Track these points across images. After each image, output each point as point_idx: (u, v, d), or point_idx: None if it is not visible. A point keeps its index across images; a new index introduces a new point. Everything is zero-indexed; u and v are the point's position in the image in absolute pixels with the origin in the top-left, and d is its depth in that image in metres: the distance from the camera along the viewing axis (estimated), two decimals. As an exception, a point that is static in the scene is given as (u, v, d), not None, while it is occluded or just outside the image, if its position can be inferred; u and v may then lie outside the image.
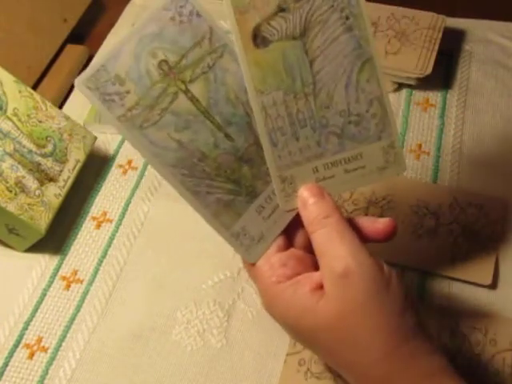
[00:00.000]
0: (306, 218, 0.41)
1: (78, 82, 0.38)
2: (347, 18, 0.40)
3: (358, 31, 0.41)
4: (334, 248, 0.39)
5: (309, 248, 0.41)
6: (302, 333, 0.40)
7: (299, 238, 0.43)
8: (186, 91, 0.40)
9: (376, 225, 0.42)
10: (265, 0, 0.40)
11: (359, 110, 0.41)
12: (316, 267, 0.40)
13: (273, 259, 0.41)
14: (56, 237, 0.57)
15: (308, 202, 0.41)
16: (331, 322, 0.38)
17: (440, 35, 0.66)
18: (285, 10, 0.40)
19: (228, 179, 0.41)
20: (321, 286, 0.39)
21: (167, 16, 0.39)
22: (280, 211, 0.42)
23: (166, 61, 0.39)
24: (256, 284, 0.42)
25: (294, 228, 0.43)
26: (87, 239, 0.58)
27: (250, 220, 0.42)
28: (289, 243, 0.43)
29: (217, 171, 0.41)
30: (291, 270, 0.40)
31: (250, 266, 0.42)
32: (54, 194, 0.56)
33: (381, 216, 0.54)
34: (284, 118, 0.41)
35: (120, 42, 0.39)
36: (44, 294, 0.54)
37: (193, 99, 0.40)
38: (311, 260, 0.41)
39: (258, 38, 0.40)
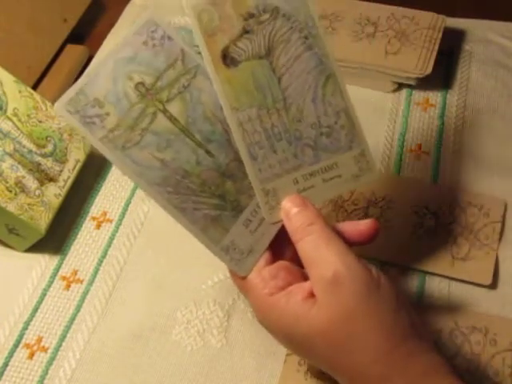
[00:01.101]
0: (291, 227, 0.42)
1: (57, 106, 0.39)
2: (306, 38, 0.43)
3: (318, 49, 0.43)
4: (322, 254, 0.39)
5: (296, 261, 0.42)
6: (296, 341, 0.40)
7: (286, 252, 0.43)
8: (165, 111, 0.41)
9: (358, 227, 0.43)
10: (230, 23, 0.42)
11: (329, 122, 0.43)
12: (305, 278, 0.41)
13: (263, 272, 0.41)
14: (56, 237, 0.57)
15: (291, 212, 0.42)
16: (324, 327, 0.38)
17: (440, 35, 0.66)
18: (249, 32, 0.42)
19: (213, 195, 0.42)
20: (312, 295, 0.39)
21: (140, 40, 0.41)
22: (266, 224, 0.43)
23: (142, 83, 0.41)
24: (247, 297, 0.43)
25: (280, 242, 0.43)
26: (87, 239, 0.58)
27: (238, 234, 0.42)
28: (276, 257, 0.43)
29: (201, 187, 0.42)
30: (283, 281, 0.40)
31: (241, 279, 0.42)
32: (54, 194, 0.56)
33: (380, 216, 0.54)
34: (260, 133, 0.42)
35: (97, 65, 0.40)
36: (44, 294, 0.54)
37: (171, 118, 0.41)
38: (300, 272, 0.42)
39: (228, 59, 0.42)
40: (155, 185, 0.41)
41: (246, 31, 0.42)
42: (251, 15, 0.42)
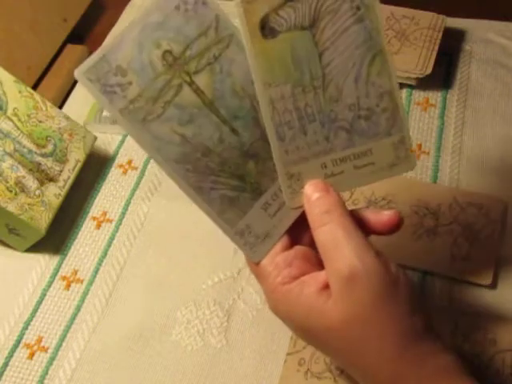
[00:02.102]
0: (310, 213, 0.40)
1: (77, 72, 0.36)
2: (358, 9, 0.39)
3: (369, 22, 0.39)
4: (339, 247, 0.38)
5: (315, 245, 0.40)
6: (309, 334, 0.40)
7: (306, 237, 0.42)
8: (191, 83, 0.38)
9: (380, 217, 0.41)
10: None
11: (369, 105, 0.40)
12: (322, 265, 0.39)
13: (278, 259, 0.40)
14: (56, 237, 0.57)
15: (312, 197, 0.40)
16: (339, 324, 0.37)
17: (440, 35, 0.66)
18: (293, 0, 0.38)
19: (232, 175, 0.40)
20: (327, 286, 0.38)
21: (172, 4, 0.38)
22: (286, 209, 0.41)
23: (170, 51, 0.38)
24: (260, 284, 0.42)
25: (299, 226, 0.41)
26: (87, 239, 0.58)
27: (255, 217, 0.40)
28: (294, 242, 0.42)
29: (221, 167, 0.40)
30: (297, 270, 0.39)
31: (254, 265, 0.41)
32: (54, 194, 0.56)
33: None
34: (292, 112, 0.40)
35: (122, 31, 0.37)
36: (44, 294, 0.54)
37: (198, 91, 0.39)
38: (317, 258, 0.40)
39: (266, 29, 0.38)
40: (173, 161, 0.38)
41: None
42: None
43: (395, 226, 0.41)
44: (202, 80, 0.39)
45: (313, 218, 0.39)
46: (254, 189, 0.40)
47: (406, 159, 0.41)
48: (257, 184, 0.41)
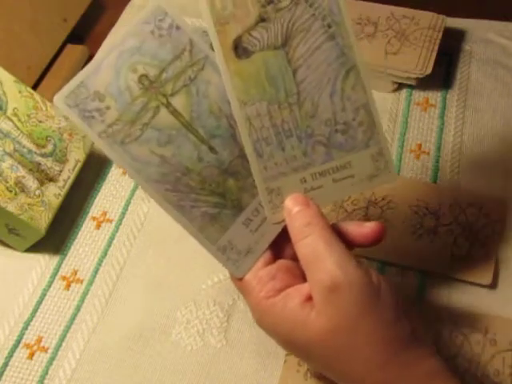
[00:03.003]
0: (291, 227, 0.40)
1: (56, 99, 0.38)
2: (329, 26, 0.40)
3: (341, 39, 0.40)
4: (320, 259, 0.38)
5: (297, 259, 0.40)
6: (294, 346, 0.40)
7: (288, 250, 0.42)
8: (168, 105, 0.40)
9: (362, 229, 0.41)
10: (245, 11, 0.39)
11: (345, 119, 0.41)
12: (305, 278, 0.39)
13: (261, 273, 0.40)
14: (56, 237, 0.57)
15: (292, 211, 0.40)
16: (323, 335, 0.37)
17: (440, 35, 0.66)
18: (266, 20, 0.39)
19: (213, 192, 0.41)
20: (310, 298, 0.38)
21: (147, 30, 0.39)
22: (268, 224, 0.42)
23: (146, 75, 0.39)
24: (245, 298, 0.42)
25: (282, 240, 0.42)
26: (87, 239, 0.58)
27: (236, 233, 0.41)
28: (277, 256, 0.42)
29: (201, 185, 0.40)
30: (280, 283, 0.40)
31: (238, 280, 0.41)
32: (54, 193, 0.56)
33: (380, 216, 0.54)
34: (269, 129, 0.40)
35: (99, 57, 0.38)
36: (44, 294, 0.54)
37: (175, 113, 0.40)
38: (300, 270, 0.40)
39: (240, 49, 0.39)
40: (153, 181, 0.39)
41: (262, 19, 0.39)
42: (269, 1, 0.39)
43: (378, 238, 0.41)
44: (178, 102, 0.40)
45: (294, 232, 0.40)
46: (235, 205, 0.41)
47: (385, 170, 0.42)
48: (237, 201, 0.41)
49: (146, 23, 0.39)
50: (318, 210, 0.40)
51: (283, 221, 0.41)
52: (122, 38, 0.39)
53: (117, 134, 0.39)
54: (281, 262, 0.41)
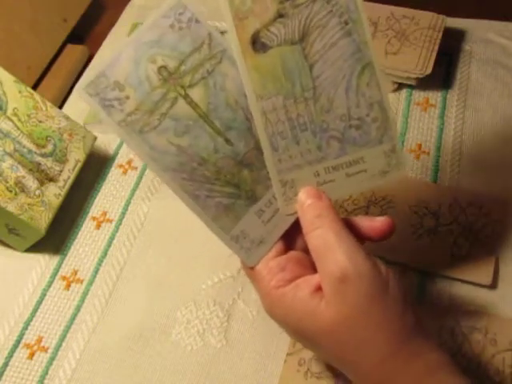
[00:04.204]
0: (302, 219, 0.41)
1: (78, 87, 0.39)
2: (346, 23, 0.40)
3: (358, 36, 0.41)
4: (330, 251, 0.39)
5: (308, 250, 0.41)
6: (303, 336, 0.40)
7: (300, 241, 0.43)
8: (186, 96, 0.40)
9: (373, 223, 0.42)
10: (264, 6, 0.40)
11: (360, 114, 0.41)
12: (316, 269, 0.40)
13: (271, 263, 0.41)
14: (56, 237, 0.57)
15: (305, 203, 0.41)
16: (332, 326, 0.38)
17: (440, 35, 0.66)
18: (284, 16, 0.40)
19: (228, 183, 0.41)
20: (320, 289, 0.39)
21: (166, 23, 0.40)
22: (280, 215, 0.42)
23: (165, 67, 0.40)
24: (255, 287, 0.43)
25: (294, 232, 0.42)
26: (87, 239, 0.58)
27: (249, 223, 0.42)
28: (289, 247, 0.43)
29: (216, 175, 0.41)
30: (290, 274, 0.40)
31: (249, 269, 0.42)
32: (54, 193, 0.56)
33: (380, 216, 0.54)
34: (284, 123, 0.41)
35: (119, 48, 0.39)
36: (44, 294, 0.54)
37: (192, 104, 0.40)
38: (311, 263, 0.41)
39: (257, 44, 0.40)
40: (170, 170, 0.40)
41: (280, 15, 0.40)
42: None
43: (388, 232, 0.42)
44: (196, 93, 0.40)
45: (305, 223, 0.41)
46: (249, 196, 0.42)
47: (397, 166, 0.42)
48: (251, 192, 0.42)
49: (165, 17, 0.40)
50: (329, 202, 0.41)
51: (295, 213, 0.42)
52: (141, 30, 0.39)
53: (135, 123, 0.39)
54: (292, 253, 0.42)
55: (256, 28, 0.40)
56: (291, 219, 0.42)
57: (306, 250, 0.41)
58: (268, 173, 0.42)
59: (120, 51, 0.39)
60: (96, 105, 0.39)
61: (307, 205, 0.41)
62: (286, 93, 0.41)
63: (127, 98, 0.39)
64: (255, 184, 0.42)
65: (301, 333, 0.40)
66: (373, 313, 0.38)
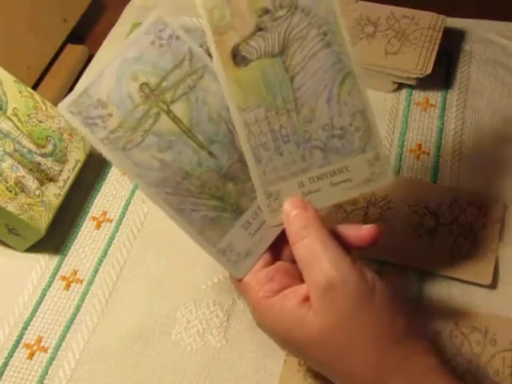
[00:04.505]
0: (288, 229, 0.41)
1: (61, 106, 0.39)
2: (325, 34, 0.41)
3: (337, 46, 0.41)
4: (316, 259, 0.39)
5: (295, 260, 0.41)
6: (292, 345, 0.40)
7: (286, 252, 0.43)
8: (168, 112, 0.41)
9: (359, 232, 0.42)
10: (243, 20, 0.40)
11: (342, 124, 0.42)
12: (303, 278, 0.40)
13: (259, 274, 0.41)
14: (56, 237, 0.57)
15: (290, 214, 0.41)
16: (320, 334, 0.38)
17: (440, 35, 0.66)
18: (263, 29, 0.40)
19: (212, 196, 0.42)
20: (307, 298, 0.39)
21: (147, 40, 0.40)
22: (267, 227, 0.43)
23: (146, 83, 0.40)
24: (245, 299, 0.43)
25: (280, 243, 0.43)
26: (87, 239, 0.58)
27: (236, 236, 0.42)
28: (276, 257, 0.43)
29: (201, 189, 0.41)
30: (278, 284, 0.40)
31: (237, 281, 0.42)
32: (54, 193, 0.56)
33: (380, 216, 0.54)
34: (267, 134, 0.41)
35: (102, 66, 0.40)
36: (44, 294, 0.54)
37: (175, 119, 0.41)
38: (298, 272, 0.41)
39: (238, 57, 0.40)
40: (154, 185, 0.40)
41: (259, 28, 0.40)
42: (266, 11, 0.40)
43: (374, 240, 0.42)
44: (178, 109, 0.41)
45: (291, 234, 0.41)
46: (235, 209, 0.42)
47: (381, 174, 0.42)
48: (237, 204, 0.42)
49: (146, 34, 0.40)
50: (315, 213, 0.41)
51: (281, 224, 0.42)
52: (123, 47, 0.40)
53: (119, 141, 0.40)
54: (279, 264, 0.42)
55: (236, 42, 0.40)
56: (277, 230, 0.43)
57: (292, 261, 0.42)
58: (253, 185, 0.42)
59: (103, 69, 0.40)
60: (78, 123, 0.39)
61: (293, 216, 0.41)
62: (267, 105, 0.41)
63: (110, 115, 0.40)
64: (240, 196, 0.42)
65: (290, 342, 0.40)
66: (360, 319, 0.38)
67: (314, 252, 0.39)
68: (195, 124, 0.41)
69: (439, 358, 0.38)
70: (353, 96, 0.41)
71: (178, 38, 0.41)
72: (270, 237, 0.43)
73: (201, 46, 0.42)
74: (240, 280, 0.42)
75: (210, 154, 0.41)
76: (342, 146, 0.42)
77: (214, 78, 0.41)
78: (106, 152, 0.40)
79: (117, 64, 0.40)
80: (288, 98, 0.41)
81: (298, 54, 0.41)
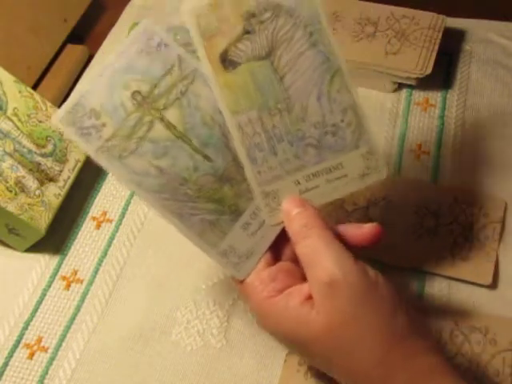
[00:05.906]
0: (290, 228, 0.41)
1: (55, 119, 0.39)
2: (311, 34, 0.41)
3: (323, 46, 0.42)
4: (319, 258, 0.39)
5: (297, 260, 0.41)
6: (296, 345, 0.40)
7: (287, 251, 0.43)
8: (162, 118, 0.41)
9: (361, 230, 0.42)
10: (231, 24, 0.41)
11: (334, 120, 0.42)
12: (305, 278, 0.40)
13: (262, 274, 0.41)
14: (56, 237, 0.57)
15: (291, 213, 0.41)
16: (323, 333, 0.38)
17: (440, 35, 0.66)
18: (250, 32, 0.41)
19: (210, 199, 0.42)
20: (310, 297, 0.39)
21: (136, 49, 0.41)
22: (266, 226, 0.43)
23: (138, 91, 0.41)
24: (247, 301, 0.43)
25: (281, 242, 0.43)
26: (87, 239, 0.58)
27: (236, 237, 0.42)
28: (277, 257, 0.43)
29: (198, 193, 0.42)
30: (281, 284, 0.40)
31: (240, 283, 0.42)
32: (54, 193, 0.56)
33: (380, 216, 0.54)
34: (260, 135, 0.42)
35: (93, 77, 0.40)
36: (44, 294, 0.54)
37: (169, 125, 0.41)
38: (300, 272, 0.41)
39: (227, 61, 0.41)
40: (152, 192, 0.41)
41: (246, 31, 0.41)
42: (252, 15, 0.41)
43: (375, 239, 0.42)
44: (172, 115, 0.41)
45: (293, 233, 0.41)
46: (233, 210, 0.42)
47: (376, 168, 0.43)
48: (235, 206, 0.42)
49: (135, 43, 0.41)
50: (314, 210, 0.42)
51: (281, 222, 0.42)
52: (113, 57, 0.41)
53: (114, 149, 0.40)
54: (281, 264, 0.42)
55: (224, 46, 0.41)
56: (277, 229, 0.43)
57: (293, 260, 0.42)
58: (249, 186, 0.42)
59: (95, 79, 0.40)
60: (73, 134, 0.39)
61: (293, 215, 0.41)
62: (259, 106, 0.41)
63: (104, 125, 0.40)
64: (237, 198, 0.42)
65: (293, 342, 0.40)
66: (362, 316, 0.38)
67: (317, 250, 0.39)
68: (189, 128, 0.41)
69: (443, 356, 0.38)
70: (342, 93, 0.42)
71: (166, 45, 0.41)
72: (271, 236, 0.43)
73: None
74: (242, 281, 0.42)
75: (206, 157, 0.42)
76: (336, 143, 0.42)
77: (204, 82, 0.42)
78: (102, 161, 0.40)
79: (108, 74, 0.40)
80: (279, 98, 0.42)
81: (285, 55, 0.41)
